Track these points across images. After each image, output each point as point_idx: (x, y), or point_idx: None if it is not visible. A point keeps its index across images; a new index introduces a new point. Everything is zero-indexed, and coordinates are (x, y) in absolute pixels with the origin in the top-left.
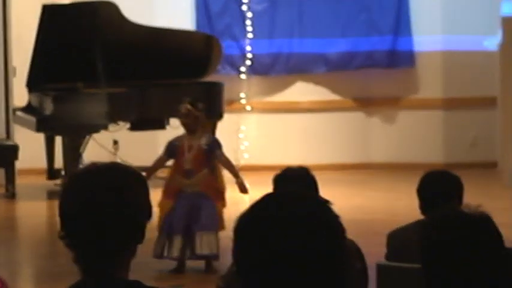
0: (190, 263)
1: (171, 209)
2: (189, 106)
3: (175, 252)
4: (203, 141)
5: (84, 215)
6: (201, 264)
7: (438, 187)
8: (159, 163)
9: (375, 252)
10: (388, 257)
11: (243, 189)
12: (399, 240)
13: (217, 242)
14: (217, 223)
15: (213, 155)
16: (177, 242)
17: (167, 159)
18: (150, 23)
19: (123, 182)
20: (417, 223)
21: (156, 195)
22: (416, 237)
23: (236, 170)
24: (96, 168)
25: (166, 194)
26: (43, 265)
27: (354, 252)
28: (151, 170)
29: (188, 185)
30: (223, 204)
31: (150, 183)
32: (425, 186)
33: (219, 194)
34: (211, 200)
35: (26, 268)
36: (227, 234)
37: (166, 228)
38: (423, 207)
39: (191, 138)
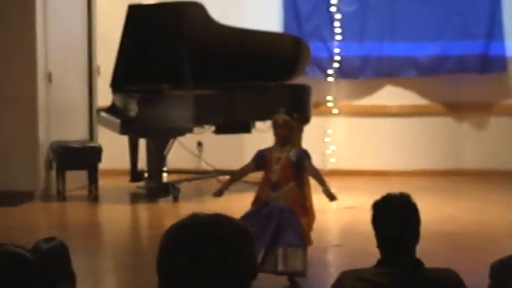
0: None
1: (249, 213)
2: (285, 116)
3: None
4: (292, 153)
5: (184, 272)
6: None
7: None
8: (245, 170)
9: (464, 268)
10: None
11: (331, 197)
12: (505, 272)
13: (303, 258)
14: (303, 239)
15: (301, 168)
16: (259, 256)
17: (254, 168)
18: (239, 25)
19: (227, 236)
20: None
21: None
22: None
23: (323, 178)
24: (198, 220)
25: (253, 205)
26: (126, 277)
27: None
28: (237, 176)
29: (273, 197)
30: (311, 219)
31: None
32: None
33: (304, 210)
34: (296, 215)
35: (108, 279)
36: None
37: None
38: None
39: (281, 150)
